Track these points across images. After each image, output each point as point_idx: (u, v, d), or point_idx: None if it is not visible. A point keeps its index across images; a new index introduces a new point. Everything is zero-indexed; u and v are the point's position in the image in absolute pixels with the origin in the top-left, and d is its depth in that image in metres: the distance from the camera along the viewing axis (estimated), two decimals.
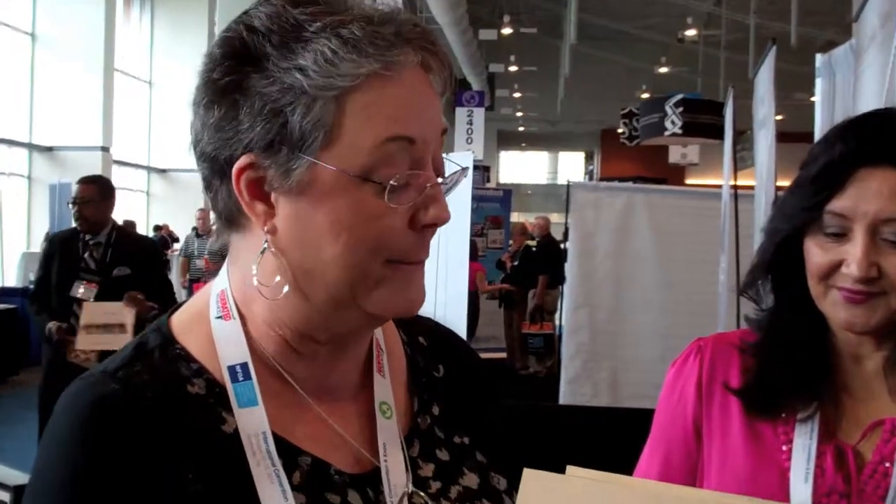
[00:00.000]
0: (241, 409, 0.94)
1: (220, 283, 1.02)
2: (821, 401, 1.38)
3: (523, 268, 12.61)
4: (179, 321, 1.02)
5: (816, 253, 1.35)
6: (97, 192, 5.39)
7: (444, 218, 0.93)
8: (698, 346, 1.51)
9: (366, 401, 1.03)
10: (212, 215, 1.04)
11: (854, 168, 1.32)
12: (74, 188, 5.40)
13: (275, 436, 0.94)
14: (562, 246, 10.07)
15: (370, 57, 0.89)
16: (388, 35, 0.91)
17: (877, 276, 1.30)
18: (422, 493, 0.99)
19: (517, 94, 33.37)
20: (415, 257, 0.95)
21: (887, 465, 1.33)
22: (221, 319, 0.99)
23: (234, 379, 0.96)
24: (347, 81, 0.89)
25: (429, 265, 0.93)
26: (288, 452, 0.94)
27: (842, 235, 1.33)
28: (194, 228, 12.67)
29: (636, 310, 8.32)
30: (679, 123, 16.66)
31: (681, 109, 16.67)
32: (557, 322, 10.81)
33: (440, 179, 0.96)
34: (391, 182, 0.90)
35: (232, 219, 0.97)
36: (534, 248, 12.81)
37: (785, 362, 1.40)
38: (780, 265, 1.43)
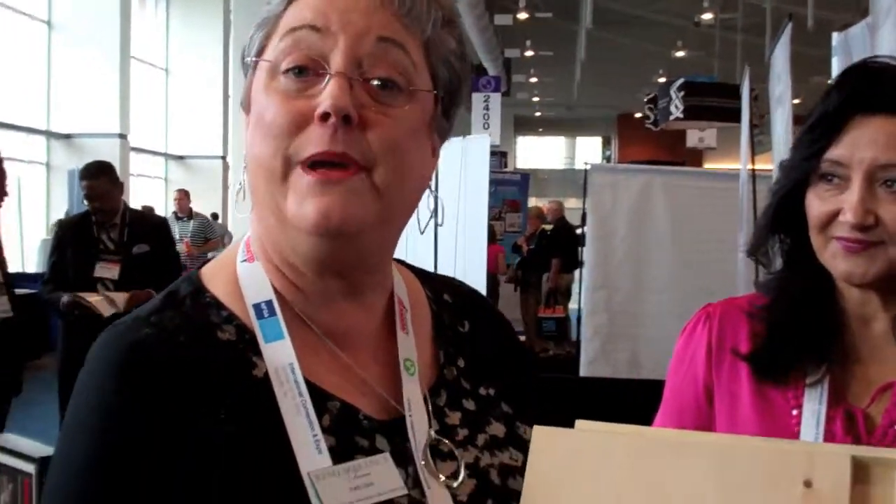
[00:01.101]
0: (267, 345, 0.96)
1: (249, 230, 1.05)
2: (829, 364, 1.38)
3: (539, 251, 12.68)
4: (209, 270, 1.04)
5: (815, 203, 1.35)
6: (108, 182, 5.50)
7: (329, 105, 0.90)
8: (707, 313, 1.51)
9: (387, 353, 1.04)
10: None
11: (849, 116, 1.32)
12: (83, 183, 5.47)
13: (305, 380, 0.95)
14: (579, 230, 10.06)
15: None
16: None
17: (874, 223, 1.30)
18: (446, 441, 1.01)
19: (533, 80, 33.17)
20: (311, 149, 0.92)
21: None
22: (246, 262, 1.02)
23: (259, 316, 0.97)
24: None
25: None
26: (318, 396, 0.95)
27: (840, 184, 1.33)
28: (174, 212, 12.20)
29: (654, 290, 8.33)
30: (681, 107, 16.28)
31: (682, 94, 16.29)
32: (575, 306, 10.80)
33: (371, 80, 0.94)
34: (292, 68, 0.94)
35: None
36: (549, 232, 12.85)
37: (793, 326, 1.40)
38: (785, 222, 1.43)
